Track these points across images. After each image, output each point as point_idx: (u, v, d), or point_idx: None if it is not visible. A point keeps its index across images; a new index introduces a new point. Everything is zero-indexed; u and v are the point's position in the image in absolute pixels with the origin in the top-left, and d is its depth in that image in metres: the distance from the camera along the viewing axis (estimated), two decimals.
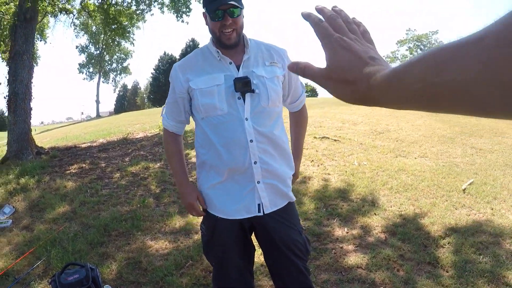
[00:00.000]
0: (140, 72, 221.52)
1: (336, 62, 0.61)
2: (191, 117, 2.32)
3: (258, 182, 2.09)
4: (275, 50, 2.22)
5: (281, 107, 2.24)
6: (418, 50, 65.42)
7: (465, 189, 5.73)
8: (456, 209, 5.04)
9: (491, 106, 0.41)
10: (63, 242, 4.66)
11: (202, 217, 2.32)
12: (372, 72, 0.57)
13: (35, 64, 11.87)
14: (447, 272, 3.62)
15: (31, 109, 9.98)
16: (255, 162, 2.05)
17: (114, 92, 77.03)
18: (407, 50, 68.29)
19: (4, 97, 10.22)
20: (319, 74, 0.64)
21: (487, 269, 3.56)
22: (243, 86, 2.02)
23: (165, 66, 60.27)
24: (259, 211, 2.12)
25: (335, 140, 9.01)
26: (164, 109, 2.32)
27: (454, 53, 0.43)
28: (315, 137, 9.37)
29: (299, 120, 2.48)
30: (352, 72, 0.59)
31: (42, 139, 15.80)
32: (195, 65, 2.16)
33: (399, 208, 5.13)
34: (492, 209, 4.99)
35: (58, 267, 3.95)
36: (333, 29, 0.64)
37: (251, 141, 2.03)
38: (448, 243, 4.13)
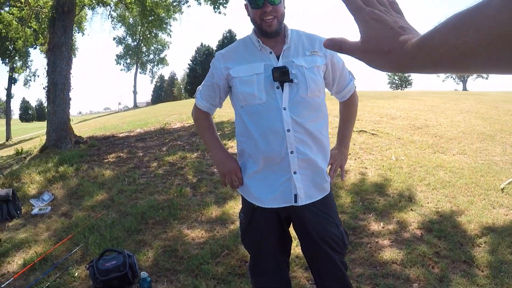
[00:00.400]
0: (177, 63, 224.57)
1: (370, 34, 0.64)
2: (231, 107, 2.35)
3: (295, 173, 2.09)
4: (316, 39, 2.20)
5: (323, 98, 2.20)
6: None
7: (503, 188, 5.66)
8: (494, 208, 5.00)
9: (504, 63, 0.47)
10: (100, 229, 4.80)
11: (240, 205, 2.37)
12: (404, 40, 0.60)
13: (73, 56, 12.14)
14: (482, 272, 3.62)
15: (70, 99, 10.22)
16: (291, 152, 2.05)
17: (151, 82, 78.37)
18: None
19: (44, 88, 10.49)
20: (355, 48, 0.67)
21: None
22: (281, 75, 2.02)
23: (202, 57, 60.50)
24: (295, 201, 2.12)
25: (372, 134, 8.98)
26: (199, 90, 2.34)
27: (468, 17, 0.48)
28: (352, 131, 9.34)
29: (350, 104, 2.44)
30: (386, 42, 0.62)
31: (80, 129, 16.15)
32: (236, 54, 2.19)
33: (436, 205, 5.12)
34: None
35: (95, 253, 4.08)
36: (364, 2, 0.67)
37: (288, 130, 2.03)
38: (485, 243, 4.12)
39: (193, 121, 2.49)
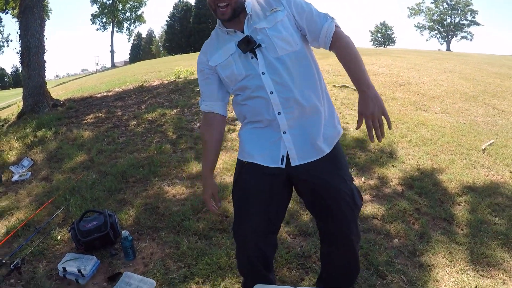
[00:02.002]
0: (154, 20, 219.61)
1: None
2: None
3: (284, 133, 2.02)
4: None
5: (301, 50, 2.04)
6: (444, 3, 63.52)
7: (485, 149, 5.65)
8: (474, 168, 4.99)
9: None
10: (81, 190, 4.69)
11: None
12: None
13: (46, 18, 11.62)
14: (462, 230, 3.61)
15: (44, 62, 9.87)
16: (279, 113, 2.00)
17: (129, 41, 76.06)
18: (432, 3, 66.46)
19: (17, 53, 10.11)
20: None
21: (501, 231, 3.54)
22: (247, 45, 1.99)
23: (180, 13, 59.21)
24: (281, 163, 2.05)
25: (354, 90, 8.84)
26: (200, 98, 2.28)
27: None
28: (334, 86, 9.25)
29: (341, 46, 2.04)
30: None
31: (58, 92, 15.83)
32: (211, 45, 2.20)
33: (417, 162, 5.09)
34: (510, 172, 4.92)
35: (77, 215, 3.98)
36: None
37: (271, 92, 1.98)
38: (465, 201, 4.11)
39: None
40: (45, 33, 9.97)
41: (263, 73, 1.98)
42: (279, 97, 1.98)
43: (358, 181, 4.52)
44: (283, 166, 2.04)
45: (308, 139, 2.04)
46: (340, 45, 2.03)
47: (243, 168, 2.16)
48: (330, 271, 2.43)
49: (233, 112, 2.41)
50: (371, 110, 1.85)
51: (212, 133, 2.25)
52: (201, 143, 2.39)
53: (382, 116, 1.86)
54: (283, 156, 2.04)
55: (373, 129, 1.85)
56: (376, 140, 1.86)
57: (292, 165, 2.04)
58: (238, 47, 2.01)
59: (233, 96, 2.22)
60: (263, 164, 2.08)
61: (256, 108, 2.05)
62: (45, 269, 3.26)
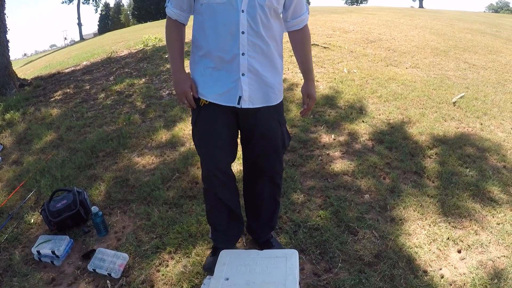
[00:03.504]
0: None
1: None
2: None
3: (243, 75, 2.13)
4: None
5: (280, 10, 2.20)
6: None
7: (455, 102, 5.61)
8: (445, 121, 4.95)
9: None
10: (51, 170, 4.51)
11: (189, 126, 2.30)
12: None
13: None
14: (433, 182, 3.58)
15: (7, 41, 9.31)
16: (243, 54, 2.09)
17: (96, 12, 73.89)
18: None
19: None
20: None
21: (472, 183, 3.54)
22: None
23: None
24: (238, 103, 2.18)
25: (324, 48, 8.73)
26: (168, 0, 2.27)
27: None
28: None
29: (302, 38, 2.40)
30: None
31: (26, 71, 15.24)
32: None
33: (387, 116, 5.02)
34: (481, 124, 4.91)
35: (48, 196, 3.78)
36: None
37: (243, 32, 2.05)
38: (436, 154, 4.08)
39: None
40: (5, 12, 9.41)
41: (242, 11, 2.02)
42: (248, 39, 2.07)
43: (328, 139, 4.45)
44: (240, 106, 2.18)
45: (262, 87, 2.20)
46: (302, 35, 2.38)
47: (200, 111, 2.29)
48: (259, 210, 2.72)
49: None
50: (314, 96, 2.42)
51: (179, 33, 2.30)
52: (167, 41, 2.35)
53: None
54: (240, 97, 2.16)
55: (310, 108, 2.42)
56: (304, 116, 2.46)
57: (242, 106, 2.19)
58: None
59: (195, 18, 2.23)
60: (220, 104, 2.21)
61: (221, 41, 2.10)
62: (21, 254, 3.15)
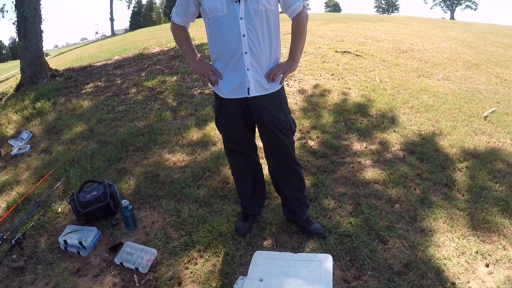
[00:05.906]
0: None
1: None
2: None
3: (248, 69, 2.58)
4: None
5: (275, 11, 2.56)
6: None
7: (486, 116, 5.61)
8: (476, 135, 4.95)
9: None
10: (81, 161, 4.63)
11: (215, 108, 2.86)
12: None
13: None
14: (462, 196, 3.60)
15: (42, 32, 9.55)
16: (245, 52, 2.53)
17: (129, 8, 74.29)
18: None
19: (13, 23, 9.75)
20: None
21: (502, 198, 3.53)
22: None
23: None
24: (248, 93, 2.63)
25: (357, 55, 8.77)
26: (175, 9, 2.68)
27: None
28: (336, 51, 9.13)
29: (296, 26, 2.69)
30: None
31: (57, 62, 15.49)
32: None
33: (419, 127, 5.05)
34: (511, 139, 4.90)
35: (77, 186, 3.92)
36: None
37: (244, 35, 2.47)
38: (466, 167, 4.09)
39: (172, 36, 2.88)
40: (41, 2, 9.64)
41: (241, 18, 2.43)
42: (248, 40, 2.49)
43: (359, 146, 4.51)
44: (250, 95, 2.64)
45: (262, 77, 2.64)
46: (296, 21, 2.66)
47: (222, 101, 2.76)
48: (284, 188, 3.08)
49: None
50: (282, 69, 2.68)
51: (184, 34, 2.80)
52: (177, 40, 2.86)
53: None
54: (248, 88, 2.62)
55: (275, 75, 2.64)
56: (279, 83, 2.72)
57: (250, 95, 2.64)
58: None
59: (206, 30, 2.67)
60: (235, 97, 2.68)
61: (227, 44, 2.53)
62: (47, 243, 3.24)
